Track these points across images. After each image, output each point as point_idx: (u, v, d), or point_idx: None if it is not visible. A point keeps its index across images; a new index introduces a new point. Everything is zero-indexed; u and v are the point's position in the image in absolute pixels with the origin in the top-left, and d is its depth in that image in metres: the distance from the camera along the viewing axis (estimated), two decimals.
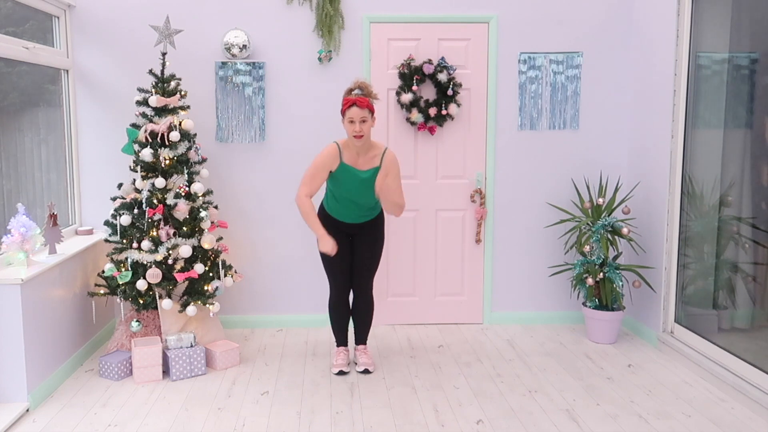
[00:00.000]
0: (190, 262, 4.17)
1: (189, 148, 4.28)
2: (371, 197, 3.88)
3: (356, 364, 4.14)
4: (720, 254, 4.20)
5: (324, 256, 3.98)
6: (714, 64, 4.19)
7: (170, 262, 4.06)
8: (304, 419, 3.46)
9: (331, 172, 3.84)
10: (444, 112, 4.75)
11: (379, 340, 4.68)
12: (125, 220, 4.09)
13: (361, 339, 4.20)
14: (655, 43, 4.54)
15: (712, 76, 4.18)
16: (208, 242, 4.18)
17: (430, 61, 4.72)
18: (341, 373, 4.03)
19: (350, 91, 3.81)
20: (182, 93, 4.32)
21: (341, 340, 4.20)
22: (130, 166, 4.27)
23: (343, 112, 3.76)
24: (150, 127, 4.15)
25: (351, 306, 4.18)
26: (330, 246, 3.76)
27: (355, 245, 4.05)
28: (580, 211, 4.83)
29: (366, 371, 4.06)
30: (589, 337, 4.70)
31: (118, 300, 4.24)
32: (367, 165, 3.85)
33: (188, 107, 4.39)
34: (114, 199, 4.29)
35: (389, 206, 3.85)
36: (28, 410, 3.54)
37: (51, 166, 4.61)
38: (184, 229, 4.13)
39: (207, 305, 4.19)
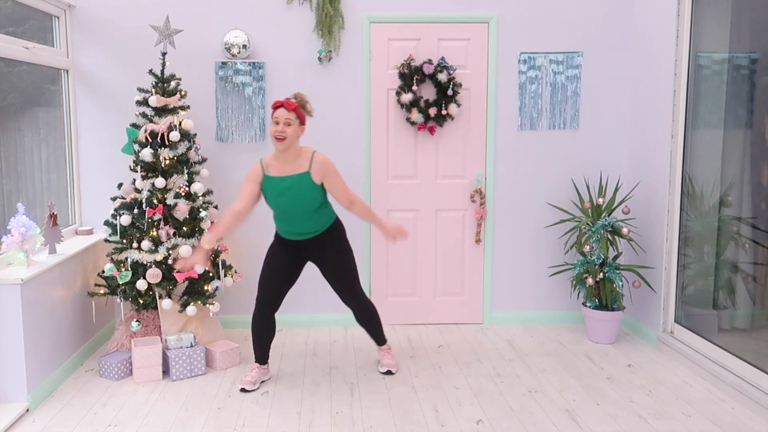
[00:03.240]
0: None
1: (189, 148, 4.28)
2: (305, 204, 3.68)
3: (379, 363, 4.13)
4: (720, 254, 4.20)
5: (265, 264, 3.86)
6: (714, 64, 4.19)
7: (170, 262, 4.06)
8: (304, 419, 3.46)
9: (262, 189, 3.72)
10: (444, 112, 4.75)
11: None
12: (125, 220, 4.09)
13: (379, 341, 4.13)
14: (655, 43, 4.54)
15: (712, 76, 4.18)
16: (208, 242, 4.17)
17: (430, 61, 4.72)
18: (243, 390, 3.81)
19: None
20: (182, 93, 4.32)
21: (258, 356, 3.94)
22: (130, 166, 4.27)
23: (272, 116, 3.65)
24: (150, 127, 4.15)
25: (355, 316, 4.04)
26: (180, 264, 3.73)
27: (319, 266, 3.89)
28: (580, 211, 4.83)
29: (389, 372, 4.04)
30: (589, 337, 4.70)
31: (118, 300, 4.24)
32: (295, 172, 3.67)
33: (188, 107, 4.39)
34: (114, 199, 4.29)
35: (361, 216, 3.80)
36: (28, 410, 3.54)
37: (51, 166, 4.61)
38: (184, 229, 4.13)
39: (207, 305, 4.19)
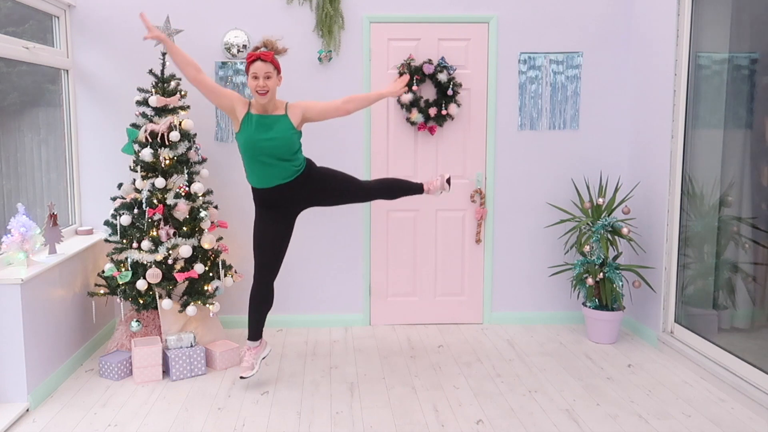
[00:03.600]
0: (190, 262, 4.17)
1: (189, 148, 4.28)
2: (285, 142, 3.63)
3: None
4: (720, 254, 4.20)
5: (254, 233, 3.82)
6: (714, 64, 4.19)
7: (170, 262, 4.06)
8: (304, 419, 3.46)
9: (237, 127, 3.67)
10: (444, 112, 4.75)
11: (379, 340, 4.68)
12: (125, 220, 4.09)
13: (415, 189, 4.07)
14: (655, 43, 4.54)
15: (712, 76, 4.18)
16: (208, 242, 4.18)
17: (430, 61, 4.72)
18: (243, 378, 3.78)
19: (256, 49, 3.64)
20: (182, 93, 4.33)
21: (252, 333, 3.87)
22: (130, 166, 4.27)
23: (246, 70, 3.61)
24: (150, 127, 4.15)
25: (385, 192, 4.06)
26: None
27: (315, 204, 3.91)
28: (580, 211, 4.83)
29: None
30: (589, 337, 4.70)
31: (118, 300, 4.24)
32: (275, 113, 3.69)
33: (188, 107, 4.39)
34: (114, 199, 4.29)
35: (362, 103, 3.84)
36: (28, 410, 3.54)
37: (51, 166, 4.61)
38: (184, 229, 4.13)
39: (207, 305, 4.19)
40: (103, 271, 4.16)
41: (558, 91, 4.89)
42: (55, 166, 4.65)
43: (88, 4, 4.67)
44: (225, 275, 4.33)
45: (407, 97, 4.71)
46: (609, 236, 4.55)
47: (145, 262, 4.03)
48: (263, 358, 3.95)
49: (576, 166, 4.96)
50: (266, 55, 3.59)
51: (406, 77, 3.97)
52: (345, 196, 3.95)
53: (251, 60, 3.59)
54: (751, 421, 3.41)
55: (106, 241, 4.28)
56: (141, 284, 3.99)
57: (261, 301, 3.87)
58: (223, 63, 4.71)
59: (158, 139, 4.14)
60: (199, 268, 4.12)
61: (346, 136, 4.86)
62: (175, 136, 4.13)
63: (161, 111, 4.22)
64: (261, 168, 3.67)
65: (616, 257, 4.72)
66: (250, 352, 3.86)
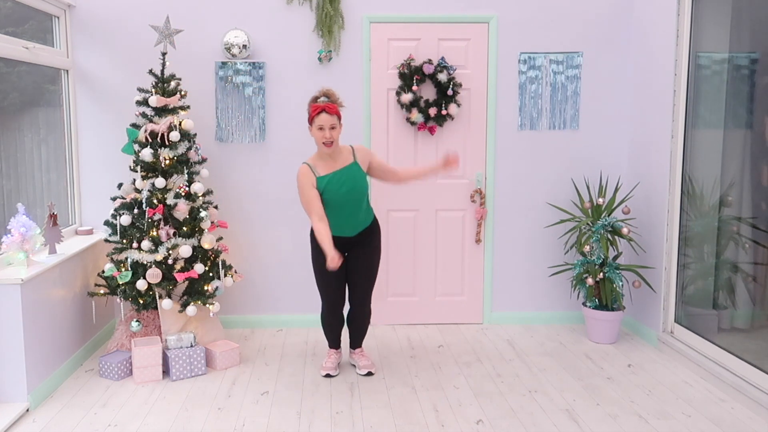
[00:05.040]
0: (190, 262, 4.17)
1: (189, 148, 4.28)
2: (360, 192, 3.80)
3: (355, 366, 4.13)
4: (720, 254, 4.20)
5: (320, 272, 3.88)
6: (714, 64, 4.19)
7: (170, 262, 4.06)
8: (304, 419, 3.46)
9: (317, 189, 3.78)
10: (444, 112, 4.75)
11: (379, 340, 4.68)
12: (125, 220, 4.09)
13: (358, 344, 4.17)
14: (655, 43, 4.54)
15: (712, 76, 4.18)
16: (208, 242, 4.18)
17: (430, 61, 4.72)
18: (328, 376, 4.00)
19: (315, 98, 3.74)
20: (182, 93, 4.32)
21: (333, 343, 4.15)
22: (130, 166, 4.27)
23: (311, 120, 3.70)
24: (150, 127, 4.15)
25: (347, 315, 4.12)
26: (336, 261, 3.62)
27: (351, 259, 3.95)
28: (580, 211, 4.83)
29: (369, 374, 4.04)
30: (589, 337, 4.70)
31: (118, 300, 4.24)
32: (344, 165, 3.79)
33: (188, 107, 4.39)
34: (114, 199, 4.29)
35: (410, 177, 3.97)
36: (28, 410, 3.54)
37: (51, 166, 4.61)
38: (184, 229, 4.13)
39: (207, 305, 4.19)
40: (103, 271, 4.16)
41: (558, 91, 4.89)
42: (55, 166, 4.65)
43: (88, 4, 4.67)
44: (225, 275, 4.33)
45: (407, 97, 4.71)
46: (609, 236, 4.55)
47: (145, 262, 4.03)
48: (338, 364, 4.14)
49: (576, 166, 4.96)
50: (331, 107, 3.68)
51: (457, 158, 3.88)
52: (360, 279, 3.98)
53: (316, 112, 3.66)
54: (751, 421, 3.41)
55: (106, 241, 4.28)
56: (141, 284, 3.99)
57: (334, 322, 4.08)
58: (223, 63, 4.71)
59: (158, 139, 4.14)
60: (199, 268, 4.12)
61: (347, 136, 4.85)
62: (175, 136, 4.13)
63: (161, 111, 4.22)
64: (342, 218, 3.81)
65: (616, 257, 4.72)
66: (335, 355, 4.13)
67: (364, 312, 4.06)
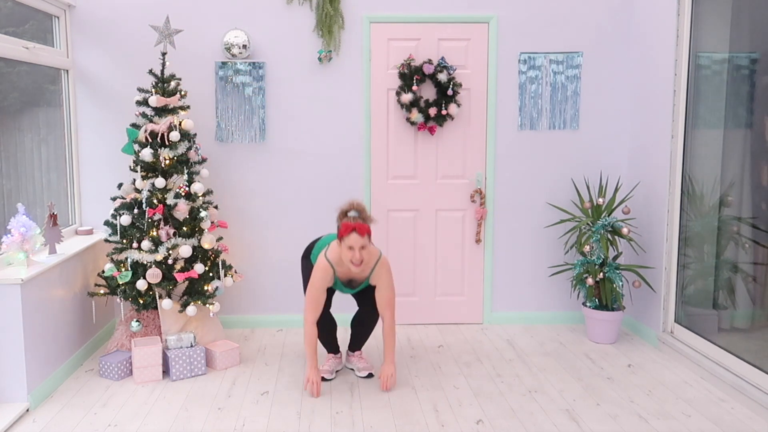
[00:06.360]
0: (190, 262, 4.17)
1: (189, 148, 4.28)
2: (364, 290, 3.98)
3: (353, 370, 4.11)
4: (720, 254, 4.20)
5: (311, 284, 3.79)
6: (714, 64, 4.19)
7: (170, 262, 4.06)
8: (304, 419, 3.46)
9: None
10: (444, 112, 4.75)
11: (380, 341, 4.68)
12: (125, 220, 4.09)
13: (359, 347, 4.13)
14: (655, 43, 4.54)
15: (712, 76, 4.18)
16: (208, 242, 4.18)
17: (430, 61, 4.72)
18: (323, 379, 3.94)
19: (345, 213, 3.64)
20: (182, 93, 4.32)
21: (329, 348, 4.10)
22: (130, 166, 4.27)
23: (341, 236, 3.60)
24: (150, 127, 4.15)
25: (356, 316, 4.07)
26: (316, 390, 3.68)
27: (364, 299, 4.03)
28: (580, 211, 4.83)
29: (370, 375, 4.02)
30: (589, 337, 4.70)
31: (118, 300, 4.24)
32: (360, 276, 3.80)
33: (188, 107, 4.39)
34: (114, 199, 4.29)
35: (386, 327, 3.85)
36: (28, 410, 3.54)
37: (51, 166, 4.61)
38: (184, 229, 4.13)
39: (207, 305, 4.19)
40: (103, 271, 4.16)
41: (558, 91, 4.89)
42: (55, 166, 4.65)
43: (88, 4, 4.67)
44: (225, 275, 4.33)
45: (407, 97, 4.71)
46: (609, 236, 4.55)
47: (145, 262, 4.03)
48: (337, 371, 4.10)
49: (576, 166, 4.96)
50: (362, 228, 3.56)
51: (393, 385, 3.82)
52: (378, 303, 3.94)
53: (347, 232, 3.56)
54: (751, 421, 3.41)
55: (106, 241, 4.28)
56: (141, 284, 3.99)
57: (324, 326, 3.98)
58: (223, 63, 4.71)
59: (158, 139, 4.14)
60: (199, 268, 4.12)
61: (347, 136, 4.86)
62: (175, 136, 4.13)
63: (161, 111, 4.22)
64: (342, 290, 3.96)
65: (616, 257, 4.72)
66: (332, 360, 4.08)
67: (375, 315, 3.99)
